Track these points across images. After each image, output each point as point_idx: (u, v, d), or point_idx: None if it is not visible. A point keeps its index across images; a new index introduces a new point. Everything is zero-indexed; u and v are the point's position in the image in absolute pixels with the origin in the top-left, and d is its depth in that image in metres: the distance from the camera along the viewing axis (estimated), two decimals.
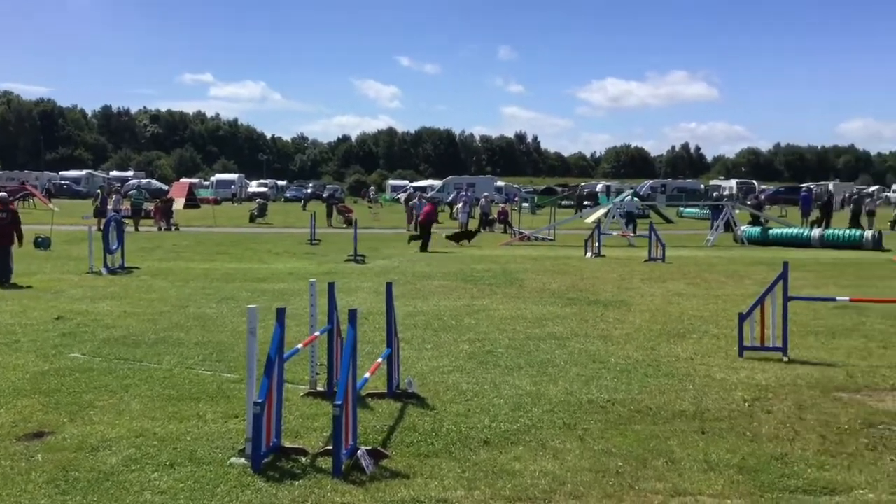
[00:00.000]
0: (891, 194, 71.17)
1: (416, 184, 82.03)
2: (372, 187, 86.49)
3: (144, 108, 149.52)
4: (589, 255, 21.32)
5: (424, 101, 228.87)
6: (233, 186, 77.70)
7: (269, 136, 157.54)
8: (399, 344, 7.34)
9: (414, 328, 10.08)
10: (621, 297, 13.12)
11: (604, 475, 5.03)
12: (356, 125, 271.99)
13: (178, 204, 45.90)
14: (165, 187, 65.59)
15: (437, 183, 78.89)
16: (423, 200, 37.57)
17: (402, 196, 66.89)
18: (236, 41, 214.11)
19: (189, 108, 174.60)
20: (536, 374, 7.73)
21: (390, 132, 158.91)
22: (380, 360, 6.61)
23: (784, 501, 4.61)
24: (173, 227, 31.94)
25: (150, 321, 10.51)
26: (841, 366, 8.06)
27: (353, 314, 5.48)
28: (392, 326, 6.83)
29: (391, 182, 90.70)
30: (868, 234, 24.54)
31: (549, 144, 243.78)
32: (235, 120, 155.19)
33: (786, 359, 8.28)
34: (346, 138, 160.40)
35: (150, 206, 36.23)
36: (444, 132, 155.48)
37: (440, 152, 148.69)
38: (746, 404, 6.67)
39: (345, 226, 34.60)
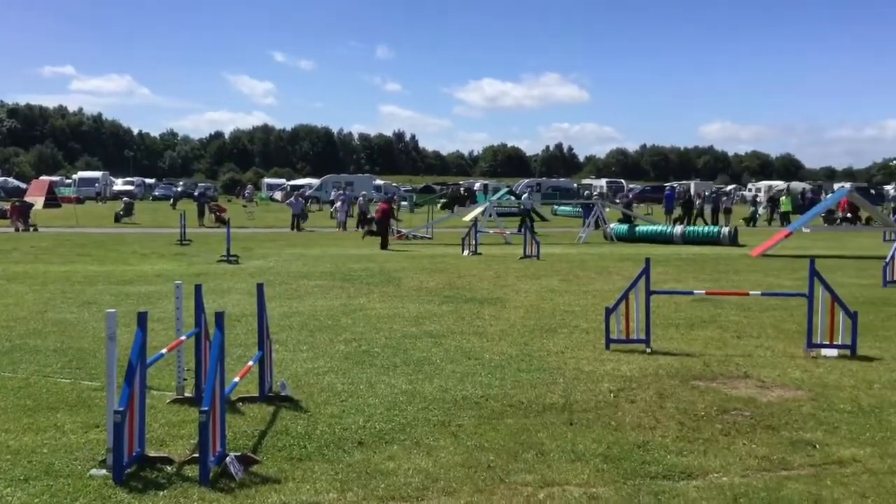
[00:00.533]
0: (746, 193, 75.62)
1: (293, 182, 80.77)
2: (249, 186, 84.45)
3: (1, 101, 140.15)
4: (466, 253, 21.60)
5: (300, 98, 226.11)
6: (97, 185, 73.99)
7: (136, 132, 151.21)
8: (272, 346, 7.21)
9: (289, 329, 9.92)
10: (497, 294, 13.37)
11: (476, 470, 5.11)
12: (229, 121, 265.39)
13: (38, 203, 43.40)
14: (23, 186, 61.78)
15: (314, 181, 77.94)
16: (301, 199, 37.06)
17: (280, 195, 65.81)
18: (99, 32, 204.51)
19: (49, 101, 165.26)
20: (412, 372, 7.76)
21: (266, 129, 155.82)
22: (251, 363, 6.46)
23: (645, 487, 4.82)
24: (31, 228, 30.12)
25: (5, 328, 9.87)
26: (698, 355, 8.51)
27: (219, 316, 5.33)
28: (264, 328, 6.69)
29: (267, 181, 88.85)
30: (725, 230, 26.03)
31: (428, 143, 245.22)
32: (100, 115, 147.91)
33: (649, 350, 8.66)
34: (219, 135, 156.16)
35: (5, 205, 34.07)
36: (321, 130, 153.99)
37: (318, 150, 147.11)
38: (612, 395, 6.93)
39: (217, 225, 33.64)
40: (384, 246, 23.41)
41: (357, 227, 34.44)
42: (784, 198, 40.40)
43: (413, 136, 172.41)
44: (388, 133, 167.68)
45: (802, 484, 4.85)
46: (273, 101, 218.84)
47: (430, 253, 22.01)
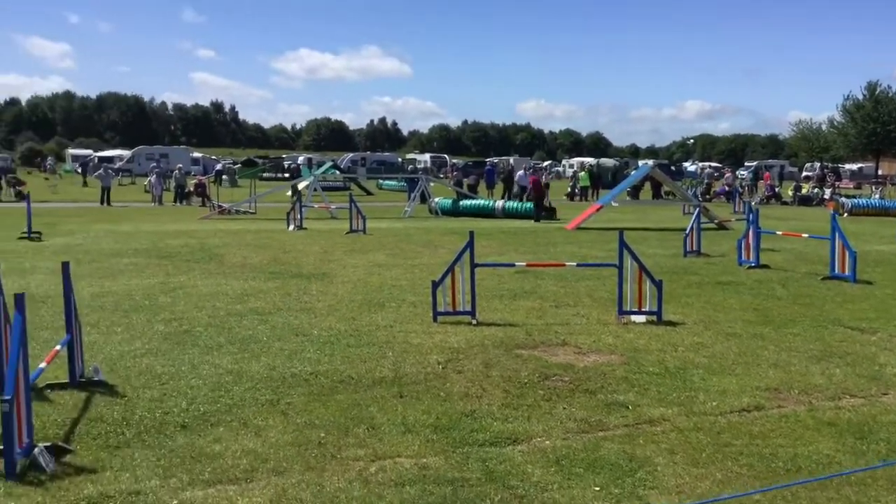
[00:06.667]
0: (566, 168, 79.14)
1: (102, 153, 75.67)
2: (50, 157, 78.21)
3: None
4: (291, 227, 21.19)
5: (102, 63, 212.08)
6: None
7: None
8: (82, 328, 6.73)
9: (101, 310, 9.31)
10: (324, 269, 13.22)
11: (306, 448, 5.03)
12: (24, 86, 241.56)
13: None
14: None
15: (125, 153, 73.52)
16: (111, 172, 34.75)
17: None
18: None
19: None
20: (238, 351, 7.52)
21: (68, 96, 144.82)
22: (58, 347, 6.00)
23: (473, 455, 4.95)
24: None
25: None
26: (521, 325, 8.83)
27: (20, 298, 4.89)
28: (72, 310, 6.23)
29: (71, 151, 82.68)
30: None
31: (248, 115, 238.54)
32: None
33: (474, 321, 8.88)
34: (14, 101, 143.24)
35: None
36: (130, 98, 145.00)
37: (127, 120, 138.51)
38: (440, 366, 7.05)
39: (16, 200, 30.94)
40: (539, 218, 24.67)
41: (174, 202, 32.91)
42: (582, 173, 42.33)
43: (233, 108, 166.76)
44: (204, 102, 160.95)
45: (618, 443, 5.17)
46: (71, 65, 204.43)
47: (253, 228, 21.40)
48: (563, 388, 6.43)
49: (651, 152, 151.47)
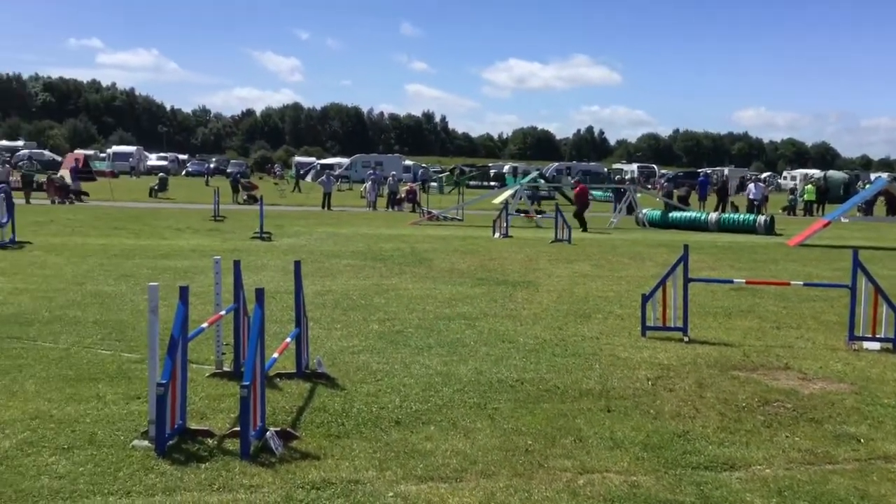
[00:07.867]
0: (785, 181, 74.40)
1: (323, 161, 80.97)
2: (278, 164, 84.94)
3: (36, 74, 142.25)
4: (497, 235, 21.51)
5: (328, 76, 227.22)
6: (131, 159, 75.09)
7: (168, 107, 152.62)
8: (308, 323, 7.21)
9: (323, 307, 9.94)
10: (529, 277, 13.29)
11: (514, 454, 5.07)
12: (258, 98, 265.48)
13: (66, 177, 44.08)
14: (59, 158, 62.58)
15: (344, 161, 78.16)
16: (332, 178, 37.14)
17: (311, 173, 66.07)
18: (124, 4, 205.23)
19: (75, 75, 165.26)
20: (446, 353, 7.73)
21: (296, 107, 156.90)
22: (288, 339, 6.48)
23: (686, 477, 4.75)
24: (68, 201, 30.56)
25: (45, 298, 10.00)
26: (738, 346, 8.38)
27: (260, 293, 5.33)
28: (301, 305, 6.69)
29: (297, 159, 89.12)
30: (761, 218, 25.64)
31: (457, 125, 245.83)
32: (132, 90, 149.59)
33: (686, 339, 8.54)
34: (250, 112, 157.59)
35: (42, 177, 34.61)
36: (351, 109, 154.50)
37: (347, 129, 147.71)
38: (650, 383, 6.85)
39: (249, 202, 33.80)
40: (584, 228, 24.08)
41: (387, 207, 34.51)
42: (808, 187, 39.42)
43: (443, 117, 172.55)
44: (416, 113, 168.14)
45: (848, 478, 4.76)
46: (300, 79, 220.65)
47: (460, 234, 21.95)
48: (786, 415, 6.02)
49: (885, 164, 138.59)
